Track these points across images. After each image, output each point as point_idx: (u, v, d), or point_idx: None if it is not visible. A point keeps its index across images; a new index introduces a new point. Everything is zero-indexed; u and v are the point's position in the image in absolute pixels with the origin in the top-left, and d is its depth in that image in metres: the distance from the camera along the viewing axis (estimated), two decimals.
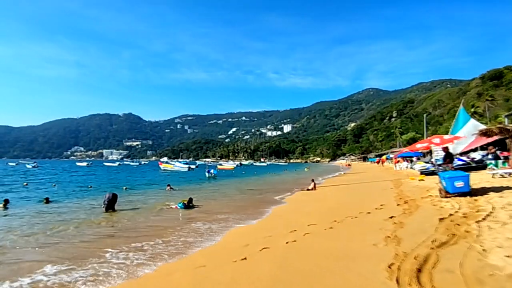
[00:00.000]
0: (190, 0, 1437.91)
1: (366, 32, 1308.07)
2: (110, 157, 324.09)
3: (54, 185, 24.96)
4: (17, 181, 28.88)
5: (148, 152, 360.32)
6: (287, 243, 5.96)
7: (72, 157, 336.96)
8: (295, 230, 7.09)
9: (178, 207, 12.49)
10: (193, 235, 7.71)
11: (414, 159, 38.53)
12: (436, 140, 9.76)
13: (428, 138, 10.82)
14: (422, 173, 21.20)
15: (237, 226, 8.71)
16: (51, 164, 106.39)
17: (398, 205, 9.13)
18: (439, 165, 9.67)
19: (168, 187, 20.50)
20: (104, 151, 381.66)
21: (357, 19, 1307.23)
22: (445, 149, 9.96)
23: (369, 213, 8.41)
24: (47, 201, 15.06)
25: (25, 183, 25.81)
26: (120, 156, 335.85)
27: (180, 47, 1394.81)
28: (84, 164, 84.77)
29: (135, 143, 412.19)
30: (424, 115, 67.25)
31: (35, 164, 71.04)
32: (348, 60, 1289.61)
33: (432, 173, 20.86)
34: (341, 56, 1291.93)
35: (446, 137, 10.21)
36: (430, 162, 28.80)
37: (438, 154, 25.92)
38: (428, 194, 10.48)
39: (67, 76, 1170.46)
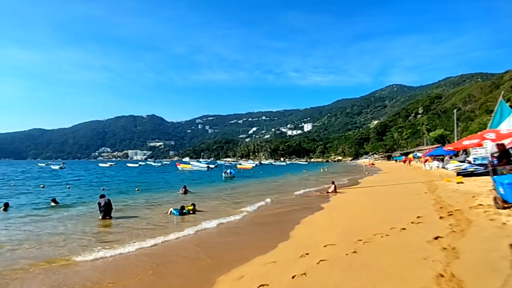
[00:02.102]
0: (210, 2, 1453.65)
1: (389, 27, 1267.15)
2: (134, 158, 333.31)
3: (69, 187, 24.99)
4: (38, 183, 29.15)
5: (170, 152, 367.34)
6: (293, 277, 4.35)
7: (100, 158, 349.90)
8: (306, 254, 5.46)
9: (173, 213, 11.30)
10: None
11: (447, 158, 35.29)
12: (491, 135, 7.67)
13: (479, 133, 8.66)
14: (458, 174, 18.67)
15: None
16: (78, 165, 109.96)
17: (440, 217, 7.21)
18: (493, 165, 7.58)
19: (183, 190, 19.29)
20: (129, 152, 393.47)
21: (379, 13, 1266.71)
22: (500, 147, 7.88)
23: (403, 229, 6.58)
24: (55, 202, 14.77)
25: (41, 186, 26.11)
26: (144, 157, 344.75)
27: (201, 48, 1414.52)
28: (107, 165, 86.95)
29: (158, 144, 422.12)
30: (454, 110, 62.77)
31: (61, 165, 73.06)
32: (370, 56, 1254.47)
33: (472, 174, 18.36)
34: (363, 52, 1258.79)
35: (503, 131, 8.09)
36: (466, 161, 25.93)
37: (477, 153, 23.20)
38: (477, 203, 8.42)
39: (95, 80, 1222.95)
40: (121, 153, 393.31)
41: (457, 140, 53.37)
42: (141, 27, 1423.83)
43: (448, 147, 12.35)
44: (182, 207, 11.50)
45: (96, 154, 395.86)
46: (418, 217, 7.55)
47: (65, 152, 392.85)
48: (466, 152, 34.88)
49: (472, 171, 18.29)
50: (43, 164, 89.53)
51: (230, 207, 13.11)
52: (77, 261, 6.03)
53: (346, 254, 5.20)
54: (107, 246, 7.04)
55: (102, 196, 11.39)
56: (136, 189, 22.39)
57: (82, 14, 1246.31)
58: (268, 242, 6.85)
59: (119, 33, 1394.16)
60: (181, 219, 10.67)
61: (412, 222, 7.04)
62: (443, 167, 28.19)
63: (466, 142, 8.49)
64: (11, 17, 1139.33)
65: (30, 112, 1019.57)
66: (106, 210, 10.80)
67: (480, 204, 8.27)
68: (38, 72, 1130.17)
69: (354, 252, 5.30)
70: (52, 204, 14.68)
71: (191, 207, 11.79)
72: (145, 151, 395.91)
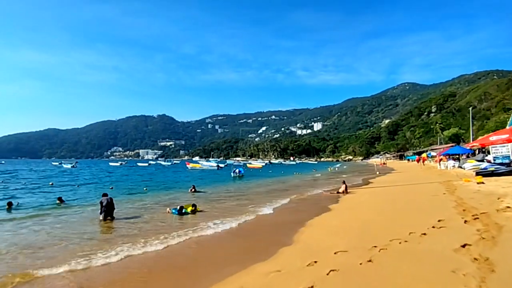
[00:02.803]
0: (219, 2, 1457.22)
1: (400, 24, 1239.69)
2: (146, 157, 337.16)
3: (78, 186, 25.22)
4: (47, 181, 29.37)
5: (181, 151, 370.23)
6: None
7: (112, 157, 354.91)
8: (315, 262, 4.85)
9: (172, 212, 10.99)
10: None
11: (463, 157, 33.91)
12: None
13: (508, 128, 7.84)
14: (478, 174, 17.62)
15: None
16: (91, 164, 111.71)
17: (465, 222, 6.48)
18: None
19: (192, 189, 18.96)
20: (141, 151, 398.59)
21: (390, 10, 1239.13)
22: None
23: (424, 234, 5.89)
24: (61, 200, 14.70)
25: (50, 183, 26.44)
26: (155, 156, 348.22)
27: (210, 48, 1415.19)
28: (118, 164, 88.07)
29: (168, 143, 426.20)
30: (470, 108, 60.63)
31: (73, 164, 74.19)
32: (381, 54, 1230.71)
33: (492, 173, 17.30)
34: (374, 50, 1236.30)
35: None
36: (485, 160, 24.69)
37: (498, 151, 22.00)
38: (504, 205, 7.64)
39: (106, 81, 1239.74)
40: (132, 153, 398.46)
41: (473, 139, 51.66)
42: (151, 28, 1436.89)
43: (472, 144, 11.51)
44: (181, 207, 11.17)
45: (109, 153, 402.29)
46: (439, 220, 6.83)
47: (79, 151, 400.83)
48: (484, 151, 33.47)
49: (492, 171, 17.21)
50: (57, 163, 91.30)
51: (233, 209, 12.60)
52: (43, 276, 5.23)
53: (360, 264, 4.58)
54: (93, 254, 6.38)
55: (105, 195, 11.03)
56: (145, 188, 22.34)
57: (93, 15, 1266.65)
58: (272, 247, 6.25)
59: (130, 34, 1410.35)
60: (179, 219, 10.26)
61: (433, 227, 6.33)
62: (460, 167, 26.96)
63: (493, 138, 7.76)
64: (25, 20, 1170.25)
65: (45, 113, 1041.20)
66: (108, 210, 10.44)
67: (508, 207, 7.50)
68: (52, 73, 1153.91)
69: (369, 261, 4.67)
70: (58, 202, 14.63)
71: (191, 207, 11.47)
72: (156, 151, 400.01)
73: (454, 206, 8.48)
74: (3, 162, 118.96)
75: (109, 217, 10.36)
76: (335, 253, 5.29)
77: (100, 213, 10.39)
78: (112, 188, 23.38)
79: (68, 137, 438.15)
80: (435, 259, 4.45)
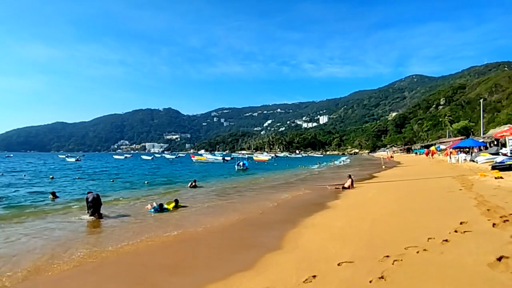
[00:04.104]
0: None
1: (409, 15, 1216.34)
2: (152, 150, 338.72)
3: (78, 178, 25.51)
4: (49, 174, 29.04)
5: (186, 145, 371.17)
6: None
7: (119, 150, 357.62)
8: (313, 277, 3.95)
9: (150, 211, 10.37)
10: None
11: (475, 150, 32.48)
12: None
13: None
14: (494, 168, 16.47)
15: None
16: (97, 157, 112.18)
17: (494, 225, 5.49)
18: None
19: (192, 183, 18.25)
20: (147, 145, 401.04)
21: (398, 1, 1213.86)
22: None
23: (446, 241, 4.91)
24: (54, 195, 14.29)
25: (51, 177, 26.32)
26: (161, 149, 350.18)
27: (215, 41, 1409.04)
28: (122, 157, 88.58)
29: (174, 137, 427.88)
30: (481, 100, 58.54)
31: (78, 158, 74.27)
32: (389, 46, 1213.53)
33: (510, 167, 16.12)
34: (381, 42, 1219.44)
35: None
36: (500, 153, 23.37)
37: None
38: None
39: (113, 74, 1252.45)
40: (139, 146, 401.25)
41: (483, 132, 49.79)
42: (156, 21, 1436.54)
43: (502, 133, 10.37)
44: (161, 205, 10.62)
45: (115, 146, 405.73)
46: (461, 223, 5.82)
47: (86, 144, 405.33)
48: (498, 143, 31.98)
49: (510, 164, 16.04)
50: (63, 156, 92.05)
51: (224, 204, 11.88)
52: None
53: (370, 281, 3.65)
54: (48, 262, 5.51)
55: (90, 192, 10.37)
56: (146, 182, 22.15)
57: (100, 9, 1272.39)
58: (260, 252, 5.37)
59: (136, 28, 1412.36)
60: (159, 217, 9.58)
61: (456, 231, 5.33)
62: (472, 160, 25.66)
63: None
64: (33, 14, 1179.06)
65: (53, 106, 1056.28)
66: (94, 206, 9.71)
67: None
68: (59, 67, 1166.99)
69: (381, 277, 3.74)
70: (51, 197, 14.22)
71: (173, 204, 10.99)
72: (162, 144, 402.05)
73: (475, 204, 7.45)
74: (11, 155, 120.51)
75: (96, 214, 9.64)
76: (338, 265, 4.36)
77: (87, 211, 9.72)
78: (113, 181, 23.40)
79: (76, 130, 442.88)
80: (466, 277, 3.50)
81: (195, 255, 5.60)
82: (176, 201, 11.26)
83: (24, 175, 27.87)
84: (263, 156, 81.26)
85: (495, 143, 32.95)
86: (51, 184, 20.61)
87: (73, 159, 69.19)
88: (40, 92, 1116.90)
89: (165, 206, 10.70)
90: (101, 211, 9.85)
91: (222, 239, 6.73)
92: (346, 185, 15.38)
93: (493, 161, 18.80)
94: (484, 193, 9.02)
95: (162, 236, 7.14)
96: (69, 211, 10.96)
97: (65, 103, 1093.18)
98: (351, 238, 5.74)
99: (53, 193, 14.61)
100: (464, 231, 5.29)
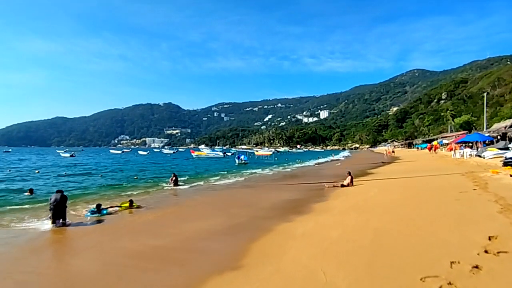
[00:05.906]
0: None
1: (411, 9, 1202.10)
2: (152, 145, 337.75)
3: (65, 174, 25.10)
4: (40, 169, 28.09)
5: (187, 140, 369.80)
6: None
7: (119, 145, 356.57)
8: None
9: (86, 215, 9.39)
10: None
11: (480, 145, 31.30)
12: None
13: None
14: (506, 164, 15.36)
15: None
16: (95, 152, 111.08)
17: None
18: None
19: (173, 179, 17.00)
20: (147, 139, 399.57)
21: None
22: None
23: (476, 268, 3.72)
24: (31, 192, 14.03)
25: (37, 171, 26.77)
26: (162, 144, 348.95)
27: (216, 36, 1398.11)
28: (119, 152, 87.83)
29: (175, 132, 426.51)
30: (484, 94, 57.13)
31: (73, 153, 72.88)
32: (390, 40, 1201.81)
33: None
34: (383, 36, 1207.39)
35: None
36: (510, 148, 22.22)
37: None
38: None
39: (113, 69, 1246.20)
40: (139, 141, 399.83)
41: (486, 126, 48.41)
42: (156, 15, 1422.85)
43: None
44: (99, 205, 9.62)
45: (116, 141, 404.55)
46: (490, 238, 4.67)
47: (86, 139, 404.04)
48: (505, 137, 30.76)
49: None
50: (62, 151, 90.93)
51: (194, 208, 10.79)
52: None
53: None
54: None
55: (59, 191, 8.68)
56: (135, 177, 21.85)
57: (99, 3, 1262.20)
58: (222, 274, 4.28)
59: (136, 22, 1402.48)
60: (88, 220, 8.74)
61: (486, 251, 4.17)
62: (478, 155, 24.52)
63: None
64: (32, 9, 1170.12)
65: (53, 101, 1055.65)
66: (56, 210, 8.11)
67: None
68: (59, 62, 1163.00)
69: None
70: (28, 194, 13.82)
71: (127, 204, 10.30)
72: (162, 139, 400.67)
73: (499, 210, 6.29)
74: (10, 150, 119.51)
75: (57, 220, 8.08)
76: None
77: (49, 217, 8.18)
78: (101, 175, 23.01)
79: (76, 125, 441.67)
80: None
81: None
82: (131, 201, 10.53)
83: (9, 170, 27.12)
84: (265, 151, 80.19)
85: (503, 137, 31.76)
86: (34, 180, 20.06)
87: (67, 155, 67.77)
88: (40, 87, 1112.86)
89: (108, 207, 9.92)
90: (66, 218, 8.38)
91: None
92: (345, 183, 14.29)
93: (502, 157, 17.69)
94: (504, 195, 7.88)
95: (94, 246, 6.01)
96: (34, 214, 9.65)
97: (65, 98, 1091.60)
98: (348, 259, 4.57)
99: (31, 190, 14.20)
100: (498, 252, 4.14)
